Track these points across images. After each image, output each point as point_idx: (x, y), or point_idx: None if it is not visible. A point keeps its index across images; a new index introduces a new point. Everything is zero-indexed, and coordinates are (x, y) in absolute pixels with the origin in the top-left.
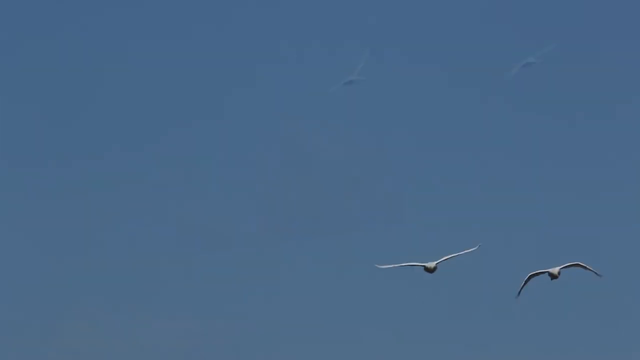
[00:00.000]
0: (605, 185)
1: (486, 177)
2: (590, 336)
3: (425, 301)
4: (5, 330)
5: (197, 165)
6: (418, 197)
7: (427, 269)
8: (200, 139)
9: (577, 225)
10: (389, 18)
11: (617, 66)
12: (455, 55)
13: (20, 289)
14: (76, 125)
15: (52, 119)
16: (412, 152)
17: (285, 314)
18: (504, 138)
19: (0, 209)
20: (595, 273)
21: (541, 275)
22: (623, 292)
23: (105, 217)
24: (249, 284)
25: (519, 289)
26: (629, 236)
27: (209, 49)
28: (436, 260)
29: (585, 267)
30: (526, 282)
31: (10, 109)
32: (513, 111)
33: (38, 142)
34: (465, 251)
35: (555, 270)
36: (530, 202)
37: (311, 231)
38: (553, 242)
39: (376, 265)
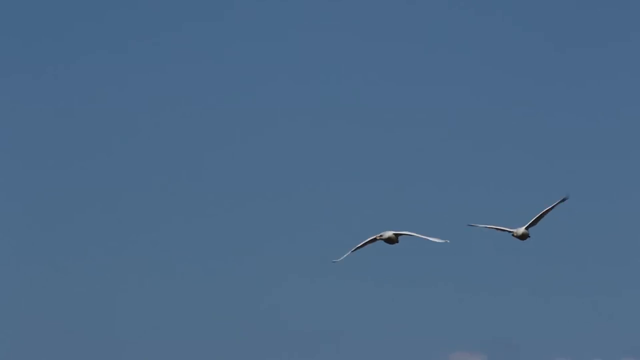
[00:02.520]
0: None
1: None
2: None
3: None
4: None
5: None
6: None
7: (385, 239)
8: None
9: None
10: None
11: None
12: None
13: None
14: None
15: None
16: None
17: None
18: None
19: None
20: (429, 239)
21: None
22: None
23: None
24: None
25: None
26: None
27: None
28: (396, 231)
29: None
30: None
31: None
32: None
33: None
34: (432, 239)
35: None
36: None
37: None
38: None
39: (333, 260)
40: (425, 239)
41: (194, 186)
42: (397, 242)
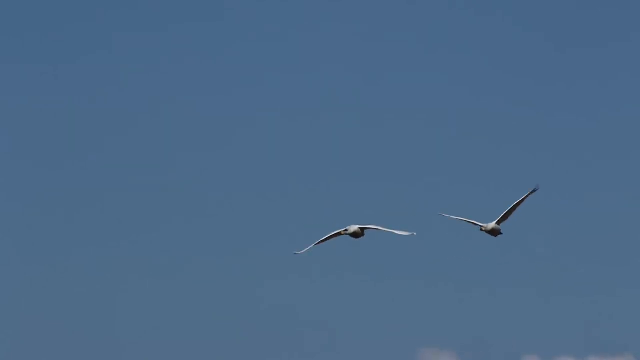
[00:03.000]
0: None
1: None
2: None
3: None
4: None
5: None
6: None
7: (350, 234)
8: None
9: None
10: None
11: None
12: None
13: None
14: None
15: None
16: None
17: None
18: None
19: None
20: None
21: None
22: None
23: None
24: None
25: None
26: None
27: None
28: (362, 225)
29: (388, 231)
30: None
31: None
32: None
33: None
34: (398, 232)
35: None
36: None
37: None
38: None
39: (295, 252)
40: (391, 232)
41: (192, 185)
42: (363, 235)
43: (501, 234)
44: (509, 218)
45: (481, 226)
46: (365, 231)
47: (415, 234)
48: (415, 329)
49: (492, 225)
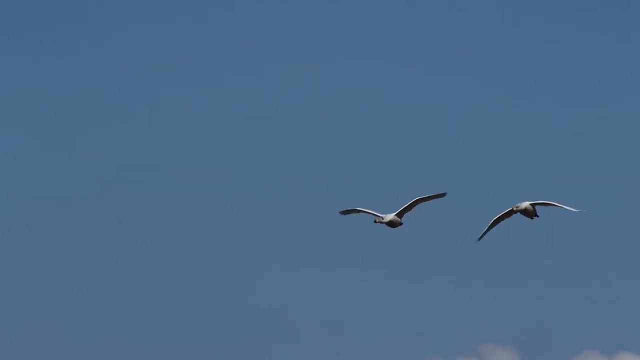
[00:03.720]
0: None
1: None
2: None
3: None
4: None
5: None
6: None
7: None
8: None
9: None
10: None
11: None
12: None
13: None
14: None
15: None
16: None
17: None
18: None
19: None
20: (573, 210)
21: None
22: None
23: None
24: None
25: (482, 233)
26: None
27: None
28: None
29: (559, 206)
30: (491, 226)
31: None
32: None
33: None
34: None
35: (522, 205)
36: None
37: None
38: None
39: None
40: (427, 197)
41: (181, 179)
42: (401, 224)
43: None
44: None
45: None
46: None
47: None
48: (475, 325)
49: (390, 216)
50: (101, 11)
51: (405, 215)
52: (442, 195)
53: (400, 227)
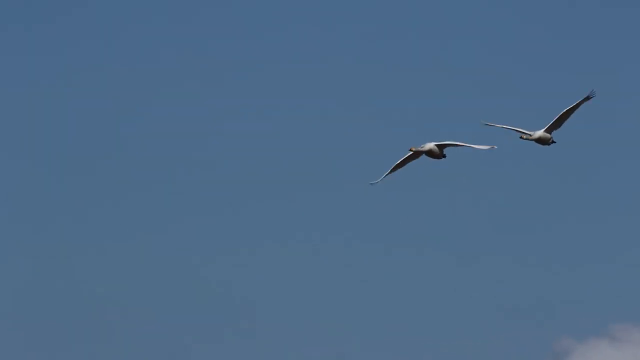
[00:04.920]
0: None
1: None
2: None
3: None
4: None
5: None
6: None
7: (425, 151)
8: None
9: None
10: None
11: None
12: None
13: None
14: None
15: None
16: None
17: None
18: None
19: None
20: (482, 148)
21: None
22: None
23: None
24: None
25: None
26: None
27: None
28: (438, 142)
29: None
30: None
31: None
32: None
33: None
34: (478, 146)
35: (427, 145)
36: None
37: None
38: None
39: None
40: (471, 147)
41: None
42: (444, 156)
43: (554, 142)
44: (561, 126)
45: (528, 134)
46: (445, 150)
47: (495, 147)
48: (607, 305)
49: (539, 133)
50: None
51: None
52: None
53: None
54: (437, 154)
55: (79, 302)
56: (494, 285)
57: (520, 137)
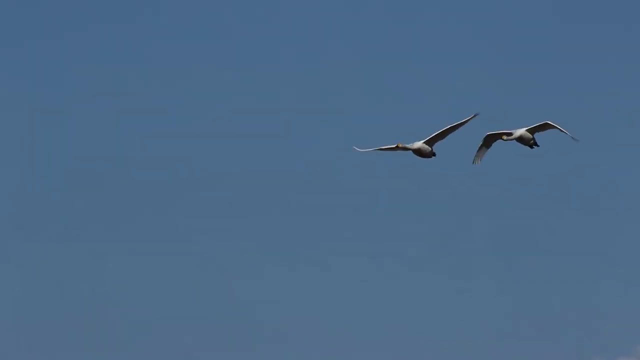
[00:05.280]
0: None
1: None
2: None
3: None
4: None
5: None
6: None
7: (415, 151)
8: None
9: None
10: None
11: None
12: None
13: None
14: None
15: None
16: None
17: None
18: None
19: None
20: (571, 137)
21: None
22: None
23: None
24: None
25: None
26: None
27: None
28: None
29: (557, 128)
30: (483, 144)
31: None
32: None
33: None
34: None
35: (518, 132)
36: None
37: None
38: None
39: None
40: (459, 124)
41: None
42: (434, 155)
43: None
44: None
45: (509, 134)
46: (434, 146)
47: (478, 114)
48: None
49: (418, 144)
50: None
51: None
52: (475, 116)
53: None
54: (427, 152)
55: (79, 302)
56: (513, 301)
57: (501, 138)
